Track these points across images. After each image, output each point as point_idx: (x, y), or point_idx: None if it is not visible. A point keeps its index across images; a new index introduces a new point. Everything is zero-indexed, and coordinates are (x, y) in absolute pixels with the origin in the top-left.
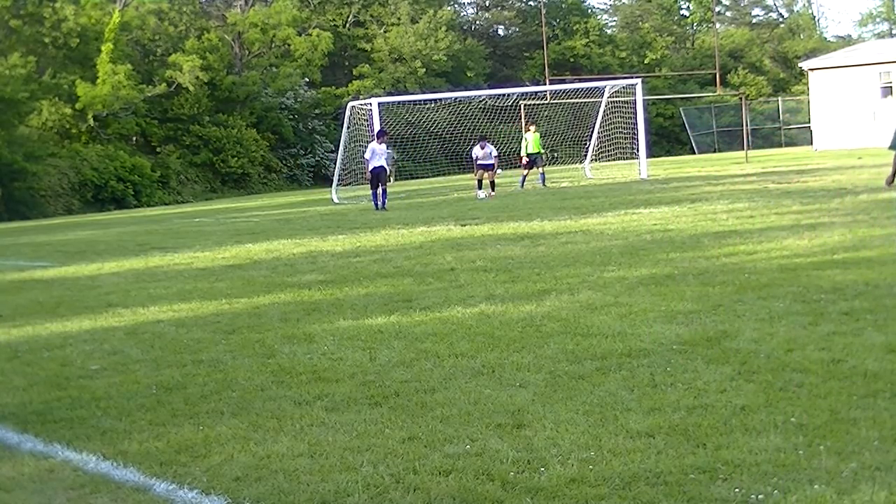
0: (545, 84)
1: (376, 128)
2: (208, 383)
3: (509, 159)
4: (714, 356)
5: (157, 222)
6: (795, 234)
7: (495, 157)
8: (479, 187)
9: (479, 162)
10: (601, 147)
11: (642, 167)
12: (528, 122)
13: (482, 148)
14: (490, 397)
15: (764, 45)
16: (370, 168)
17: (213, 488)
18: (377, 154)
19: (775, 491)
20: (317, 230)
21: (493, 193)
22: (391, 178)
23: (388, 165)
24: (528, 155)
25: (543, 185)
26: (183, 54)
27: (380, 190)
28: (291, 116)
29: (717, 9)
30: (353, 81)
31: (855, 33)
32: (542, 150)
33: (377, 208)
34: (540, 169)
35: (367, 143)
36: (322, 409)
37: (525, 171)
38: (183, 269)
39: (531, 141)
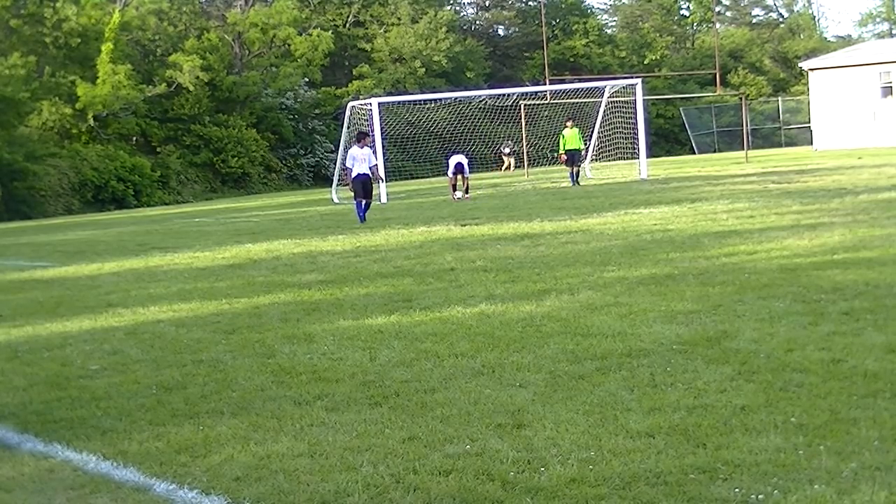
0: (545, 84)
1: (377, 128)
2: (208, 383)
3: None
4: (714, 356)
5: (157, 222)
6: (795, 234)
7: (465, 164)
8: (455, 190)
9: (451, 171)
10: (601, 147)
11: (642, 167)
12: (567, 118)
13: (456, 154)
14: (490, 397)
15: (764, 45)
16: (353, 176)
17: (213, 488)
18: (358, 160)
19: (775, 491)
20: (317, 230)
21: (468, 196)
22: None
23: (372, 171)
24: (567, 151)
25: (575, 183)
26: (183, 54)
27: (364, 201)
28: (291, 116)
29: (717, 9)
30: (353, 81)
31: (855, 33)
32: (582, 147)
33: (362, 220)
34: (576, 168)
35: (368, 145)
36: (322, 409)
37: (570, 169)
38: (183, 269)
39: (568, 137)
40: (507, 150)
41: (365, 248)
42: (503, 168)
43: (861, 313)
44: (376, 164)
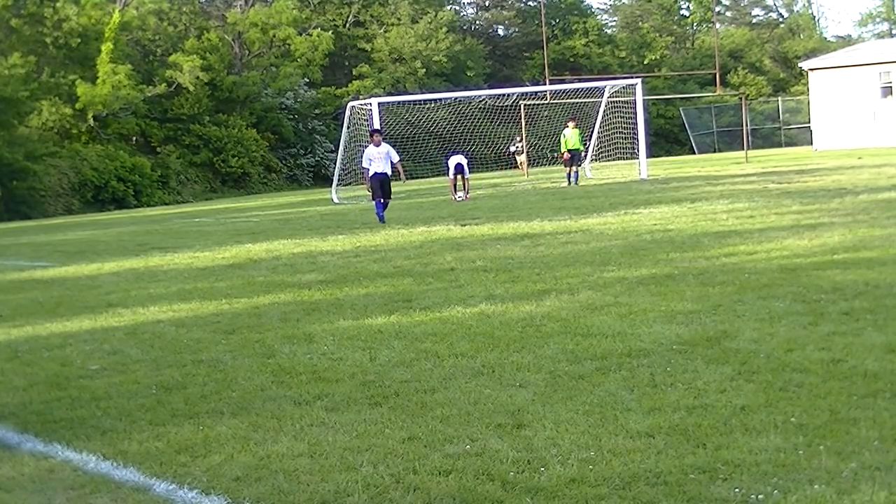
0: (545, 84)
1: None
2: (208, 383)
3: (507, 160)
4: (714, 356)
5: (157, 222)
6: (795, 234)
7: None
8: (455, 190)
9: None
10: (601, 147)
11: (642, 167)
12: (569, 118)
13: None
14: (490, 397)
15: (764, 45)
16: (370, 175)
17: (213, 488)
18: (375, 159)
19: (775, 491)
20: (317, 230)
21: (469, 196)
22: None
23: (395, 169)
24: (569, 151)
25: (575, 183)
26: (183, 54)
27: (382, 201)
28: (291, 116)
29: (717, 9)
30: (353, 81)
31: (855, 33)
32: (583, 147)
33: (382, 220)
34: (575, 168)
35: (366, 144)
36: (322, 409)
37: (568, 169)
38: (183, 269)
39: (570, 137)
40: (513, 149)
41: (365, 248)
42: (520, 166)
43: (861, 313)
44: (399, 161)
